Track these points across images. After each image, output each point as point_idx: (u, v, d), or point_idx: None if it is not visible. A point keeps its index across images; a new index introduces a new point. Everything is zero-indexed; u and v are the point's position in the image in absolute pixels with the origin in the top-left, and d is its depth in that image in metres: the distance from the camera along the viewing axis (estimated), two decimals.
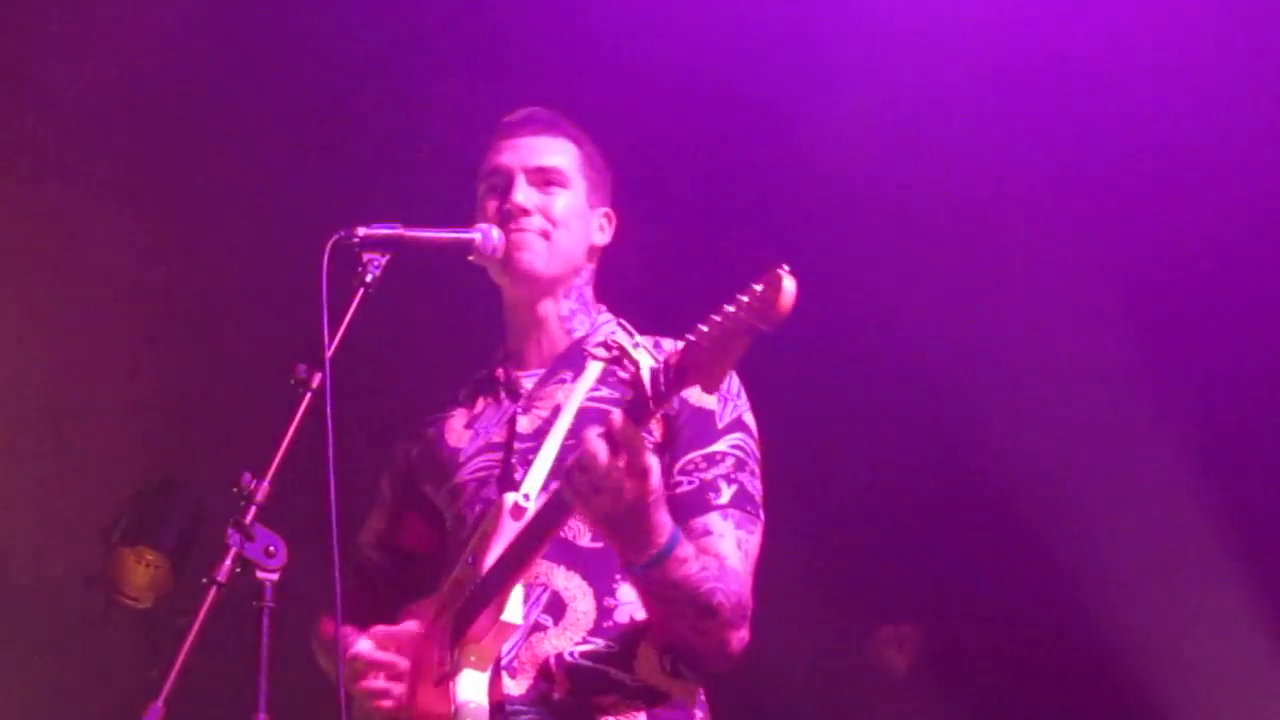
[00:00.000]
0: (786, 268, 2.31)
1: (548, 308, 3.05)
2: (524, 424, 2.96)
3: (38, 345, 5.41)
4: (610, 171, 3.17)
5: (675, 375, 2.45)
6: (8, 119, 5.33)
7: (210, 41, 5.13)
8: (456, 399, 3.15)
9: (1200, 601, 5.06)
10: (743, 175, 5.31)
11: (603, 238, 3.11)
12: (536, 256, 2.98)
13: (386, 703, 2.82)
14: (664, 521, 2.57)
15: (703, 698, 2.86)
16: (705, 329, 2.39)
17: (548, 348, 3.04)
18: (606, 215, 3.13)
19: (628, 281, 3.25)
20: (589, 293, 3.10)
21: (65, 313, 5.46)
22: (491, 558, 2.74)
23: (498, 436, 2.99)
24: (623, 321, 3.08)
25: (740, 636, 2.71)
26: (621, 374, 2.85)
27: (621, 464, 2.46)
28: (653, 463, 2.50)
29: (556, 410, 2.90)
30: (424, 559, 3.14)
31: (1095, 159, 4.97)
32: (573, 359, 3.00)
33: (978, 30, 4.74)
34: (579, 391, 2.88)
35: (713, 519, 2.76)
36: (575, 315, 3.05)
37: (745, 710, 3.08)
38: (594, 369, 2.91)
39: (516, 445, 2.93)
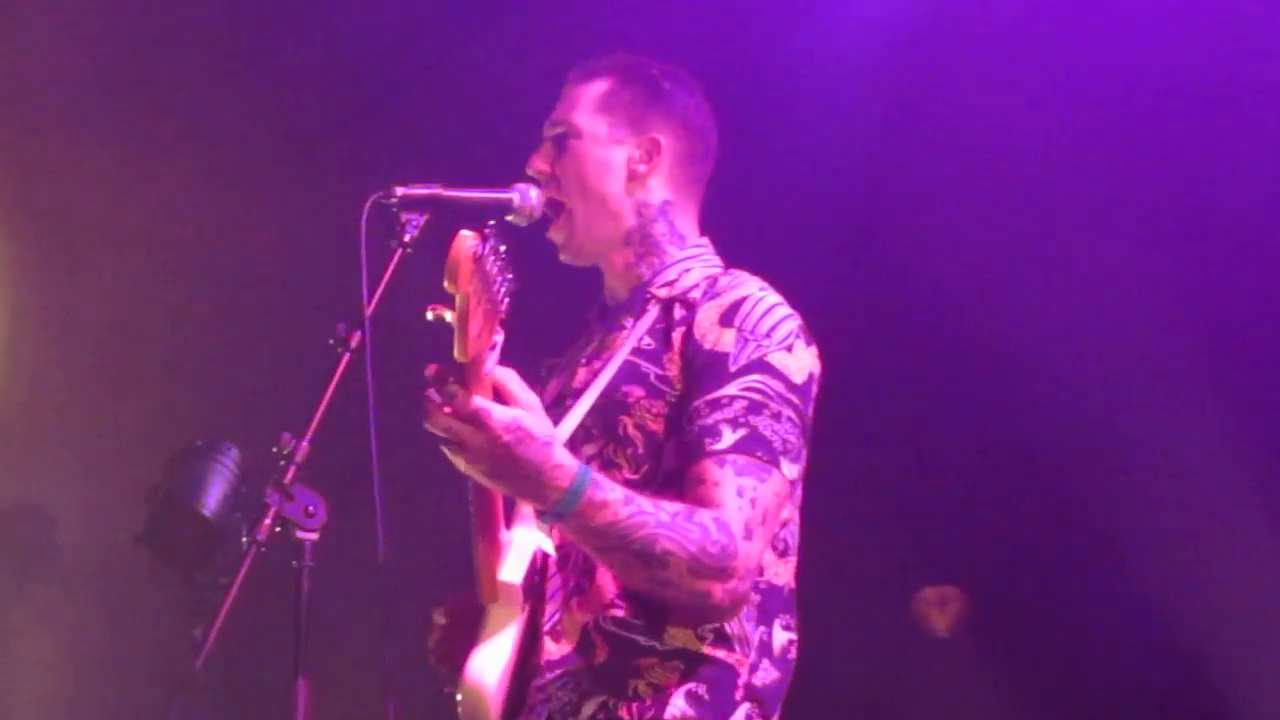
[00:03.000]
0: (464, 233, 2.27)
1: (608, 261, 2.95)
2: (580, 376, 2.83)
3: (82, 308, 5.44)
4: (656, 93, 2.94)
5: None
6: (51, 78, 5.34)
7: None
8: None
9: (1250, 558, 5.02)
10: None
11: (645, 169, 2.90)
12: (569, 246, 2.91)
13: (443, 661, 2.80)
14: (554, 463, 2.42)
15: (759, 665, 2.66)
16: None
17: (621, 293, 2.92)
18: (651, 140, 2.91)
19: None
20: (658, 229, 2.91)
21: (109, 274, 5.48)
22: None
23: (560, 389, 2.89)
24: (705, 257, 2.90)
25: (726, 589, 2.51)
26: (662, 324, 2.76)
27: (449, 411, 2.35)
28: (494, 406, 2.37)
29: (608, 361, 2.78)
30: None
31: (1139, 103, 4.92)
32: (634, 304, 2.87)
33: None
34: (627, 343, 2.77)
35: (707, 466, 2.56)
36: (641, 260, 2.90)
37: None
38: (647, 318, 2.80)
39: (568, 401, 2.81)
